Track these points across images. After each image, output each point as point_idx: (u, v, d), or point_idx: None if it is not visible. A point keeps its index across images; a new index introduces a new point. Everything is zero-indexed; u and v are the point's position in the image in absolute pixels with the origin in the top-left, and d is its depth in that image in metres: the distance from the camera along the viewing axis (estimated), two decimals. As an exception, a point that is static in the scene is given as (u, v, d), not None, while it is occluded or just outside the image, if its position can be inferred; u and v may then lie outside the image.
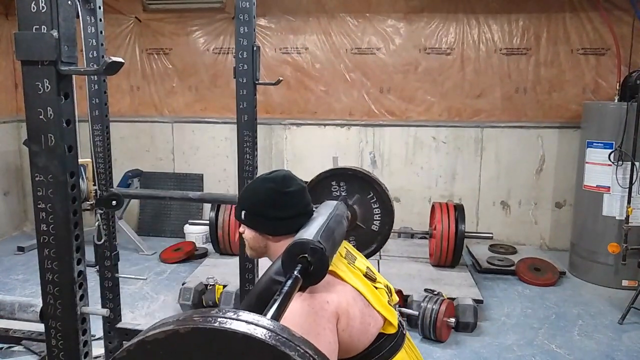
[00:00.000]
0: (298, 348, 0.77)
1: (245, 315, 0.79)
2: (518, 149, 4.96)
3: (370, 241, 2.11)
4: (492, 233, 4.30)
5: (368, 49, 5.04)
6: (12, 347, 2.95)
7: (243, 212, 1.49)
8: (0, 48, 5.31)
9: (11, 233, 5.44)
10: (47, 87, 1.23)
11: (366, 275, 1.43)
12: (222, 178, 5.42)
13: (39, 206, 1.29)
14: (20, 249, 4.81)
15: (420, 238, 4.84)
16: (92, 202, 4.11)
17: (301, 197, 1.47)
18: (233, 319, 0.77)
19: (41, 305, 1.38)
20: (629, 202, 3.91)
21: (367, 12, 5.00)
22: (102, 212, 2.56)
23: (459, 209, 4.09)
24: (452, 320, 3.17)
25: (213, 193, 4.71)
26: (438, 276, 3.96)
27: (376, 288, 1.43)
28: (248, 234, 1.49)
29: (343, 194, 2.02)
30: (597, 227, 4.16)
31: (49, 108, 1.23)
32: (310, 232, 1.28)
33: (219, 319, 0.78)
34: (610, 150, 3.99)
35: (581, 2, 4.66)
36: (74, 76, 1.31)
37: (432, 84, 5.00)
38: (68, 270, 1.32)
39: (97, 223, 2.55)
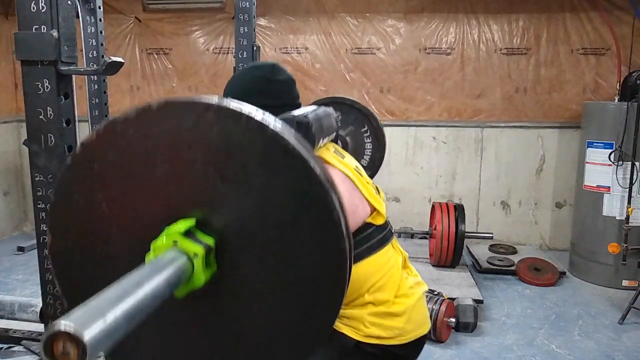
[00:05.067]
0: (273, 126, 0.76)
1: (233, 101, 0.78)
2: (518, 149, 4.96)
3: None
4: (492, 233, 4.30)
5: (368, 49, 5.04)
6: (12, 347, 2.94)
7: None
8: (0, 48, 5.31)
9: (11, 233, 5.44)
10: (47, 87, 1.23)
11: (356, 169, 1.43)
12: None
13: (39, 206, 1.29)
14: (20, 249, 4.81)
15: (420, 238, 4.84)
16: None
17: (289, 88, 1.43)
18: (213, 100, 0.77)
19: (41, 305, 1.38)
20: (629, 202, 3.91)
21: (367, 12, 5.00)
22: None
23: (459, 209, 4.09)
24: (452, 320, 3.17)
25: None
26: (438, 276, 3.96)
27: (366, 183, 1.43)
28: None
29: (338, 122, 2.02)
30: (597, 227, 4.16)
31: (48, 108, 1.24)
32: (296, 112, 1.23)
33: (198, 97, 0.77)
34: (610, 150, 3.99)
35: (581, 2, 4.66)
36: (73, 76, 1.31)
37: (432, 84, 5.00)
38: (68, 270, 1.32)
39: (97, 223, 2.55)
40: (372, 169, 2.10)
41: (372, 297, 1.42)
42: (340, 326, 1.44)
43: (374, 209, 1.41)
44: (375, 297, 1.42)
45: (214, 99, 0.78)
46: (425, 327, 1.51)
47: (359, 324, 1.42)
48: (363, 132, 2.05)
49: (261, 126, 0.76)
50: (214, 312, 0.89)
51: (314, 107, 1.39)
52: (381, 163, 2.11)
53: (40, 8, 1.19)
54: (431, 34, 4.94)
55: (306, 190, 0.79)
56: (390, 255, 1.48)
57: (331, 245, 0.80)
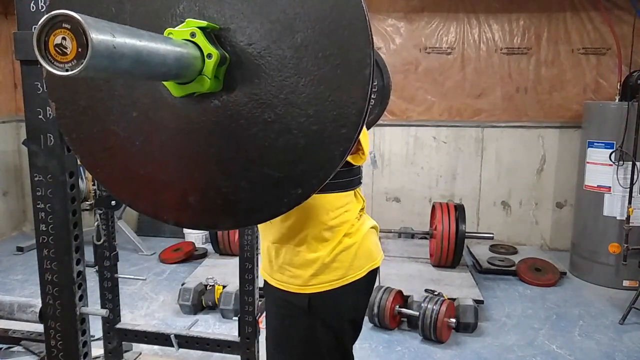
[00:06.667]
0: None
1: None
2: (519, 149, 4.95)
3: None
4: (492, 233, 4.30)
5: (368, 49, 5.02)
6: (12, 347, 2.94)
7: None
8: (-1, 48, 5.30)
9: (10, 233, 5.43)
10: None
11: None
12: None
13: (38, 206, 1.29)
14: (20, 249, 4.80)
15: (421, 238, 4.83)
16: (91, 202, 4.12)
17: None
18: None
19: (40, 305, 1.38)
20: (629, 202, 3.91)
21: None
22: (101, 212, 2.55)
23: (460, 209, 4.08)
24: (453, 320, 3.16)
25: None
26: (438, 276, 3.95)
27: None
28: None
29: None
30: (598, 227, 4.15)
31: (48, 108, 1.23)
32: None
33: None
34: (611, 150, 3.99)
35: (582, 1, 4.65)
36: (73, 75, 1.30)
37: (432, 83, 4.99)
38: (67, 270, 1.31)
39: (96, 223, 2.55)
40: (369, 120, 2.06)
41: (322, 236, 1.42)
42: (290, 286, 1.46)
43: (358, 149, 1.40)
44: (324, 236, 1.43)
45: None
46: (376, 261, 1.52)
47: (304, 273, 1.43)
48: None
49: None
50: (204, 132, 0.87)
51: None
52: (380, 116, 2.07)
53: (40, 8, 1.19)
54: (431, 34, 4.93)
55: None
56: (350, 200, 1.49)
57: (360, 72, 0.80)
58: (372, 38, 0.80)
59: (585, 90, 4.76)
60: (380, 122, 4.97)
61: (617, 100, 4.09)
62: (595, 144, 4.14)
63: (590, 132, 4.23)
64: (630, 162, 3.90)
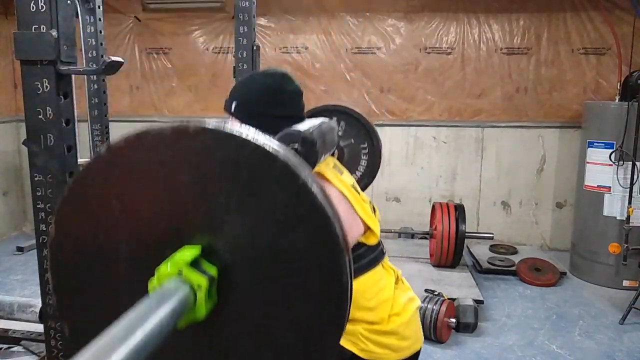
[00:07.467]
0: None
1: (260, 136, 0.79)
2: (519, 149, 4.95)
3: None
4: (492, 233, 4.30)
5: (368, 49, 5.03)
6: (12, 347, 2.94)
7: (234, 104, 1.40)
8: (-1, 47, 5.30)
9: (10, 233, 5.43)
10: (47, 86, 1.22)
11: (352, 187, 1.43)
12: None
13: (38, 206, 1.29)
14: (20, 249, 4.80)
15: (421, 238, 4.83)
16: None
17: (297, 100, 1.43)
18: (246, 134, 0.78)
19: (40, 305, 1.38)
20: (629, 202, 3.91)
21: (367, 11, 4.99)
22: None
23: (460, 209, 4.08)
24: (453, 320, 3.16)
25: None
26: (438, 276, 3.95)
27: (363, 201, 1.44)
28: None
29: (339, 134, 1.90)
30: (598, 228, 4.15)
31: (48, 108, 1.23)
32: (302, 127, 1.24)
33: (233, 130, 0.78)
34: (611, 150, 3.99)
35: (582, 1, 4.65)
36: (73, 76, 1.30)
37: (432, 83, 4.99)
38: (67, 271, 1.31)
39: (96, 223, 2.54)
40: (360, 185, 2.06)
41: (364, 317, 1.42)
42: None
43: (367, 228, 1.41)
44: (368, 317, 1.42)
45: (244, 132, 0.78)
46: (419, 343, 1.52)
47: (355, 338, 1.43)
48: (362, 149, 2.01)
49: (273, 157, 0.77)
50: (211, 341, 0.89)
51: (318, 120, 1.37)
52: (369, 183, 2.07)
53: (40, 8, 1.19)
54: (431, 34, 4.93)
55: (315, 227, 0.79)
56: (381, 276, 1.48)
57: (334, 285, 0.80)
58: (339, 231, 0.79)
59: (585, 90, 4.76)
60: (380, 122, 4.99)
61: (617, 100, 4.09)
62: (595, 144, 4.14)
63: (590, 132, 4.23)
64: (630, 162, 3.90)
